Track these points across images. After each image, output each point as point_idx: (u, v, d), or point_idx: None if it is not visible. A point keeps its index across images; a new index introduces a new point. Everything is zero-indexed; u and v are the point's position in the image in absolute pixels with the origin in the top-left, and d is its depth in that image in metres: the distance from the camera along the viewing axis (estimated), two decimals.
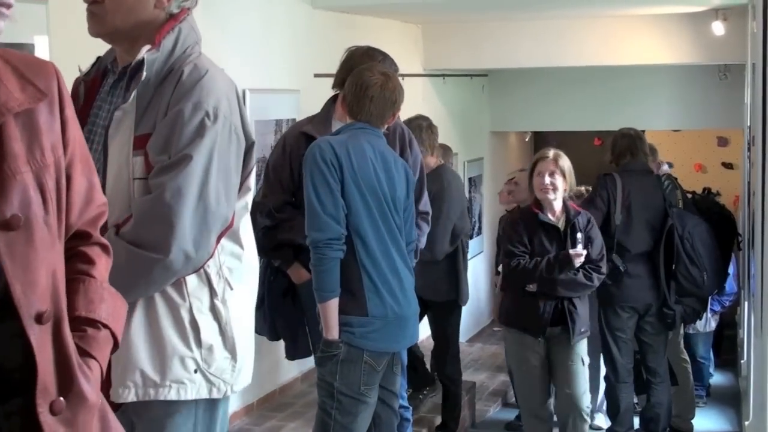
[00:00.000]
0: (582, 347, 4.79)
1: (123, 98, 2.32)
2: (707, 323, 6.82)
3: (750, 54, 5.84)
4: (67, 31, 3.97)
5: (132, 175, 2.28)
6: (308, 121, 4.01)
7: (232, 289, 2.37)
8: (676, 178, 5.60)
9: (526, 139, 12.71)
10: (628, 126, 5.71)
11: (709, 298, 6.16)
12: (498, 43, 8.19)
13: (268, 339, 4.24)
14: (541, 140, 13.36)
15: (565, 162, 4.74)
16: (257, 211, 3.89)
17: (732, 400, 6.87)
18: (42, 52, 3.81)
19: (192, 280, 2.31)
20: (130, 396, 2.29)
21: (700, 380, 6.83)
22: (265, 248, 3.88)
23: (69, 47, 3.99)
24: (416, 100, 7.83)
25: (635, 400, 5.98)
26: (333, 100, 3.92)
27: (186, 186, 2.21)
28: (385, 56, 3.93)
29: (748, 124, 6.15)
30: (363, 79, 3.42)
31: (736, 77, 8.56)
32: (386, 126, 3.52)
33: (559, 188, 4.69)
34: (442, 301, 5.28)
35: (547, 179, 4.68)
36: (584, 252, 4.65)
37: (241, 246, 2.40)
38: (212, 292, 2.35)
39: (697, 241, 5.35)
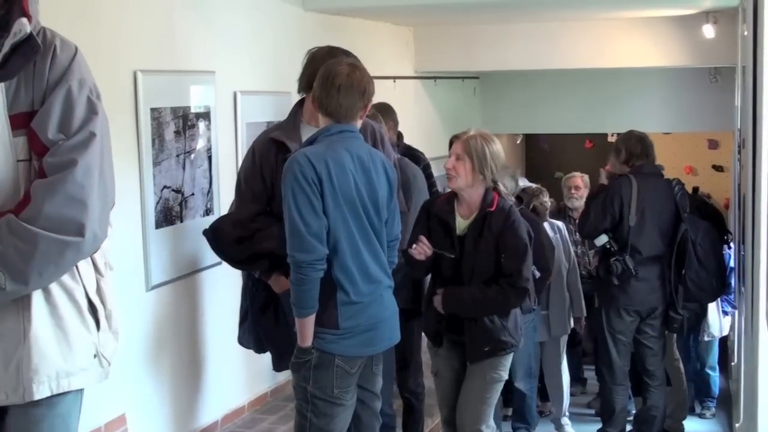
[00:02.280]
0: (495, 363, 4.04)
1: None
2: (721, 329, 6.58)
3: (740, 57, 5.85)
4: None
5: (16, 157, 2.17)
6: (276, 127, 3.89)
7: (111, 269, 2.38)
8: (684, 184, 5.56)
9: (518, 142, 12.73)
10: (619, 129, 5.71)
11: (718, 300, 6.14)
12: (489, 45, 8.19)
13: (255, 352, 4.20)
14: (532, 142, 13.39)
15: (480, 146, 3.91)
16: (226, 222, 3.84)
17: (723, 402, 6.87)
18: None
19: (81, 263, 2.26)
20: (44, 391, 2.21)
21: (707, 392, 6.67)
22: (238, 260, 3.80)
23: None
24: (408, 102, 7.83)
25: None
26: (300, 104, 3.82)
27: (93, 164, 2.18)
28: (348, 54, 3.78)
29: (739, 126, 6.16)
30: (330, 70, 3.34)
31: (727, 80, 8.58)
32: (361, 122, 3.43)
33: (461, 176, 3.92)
34: (401, 308, 4.84)
35: (450, 163, 3.95)
36: (425, 247, 3.90)
37: (111, 225, 2.36)
38: (98, 273, 2.32)
39: (709, 247, 5.37)
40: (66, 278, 2.23)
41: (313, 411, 3.35)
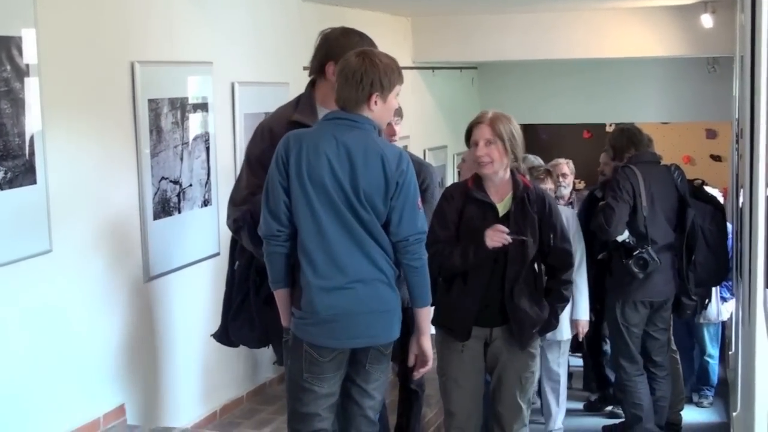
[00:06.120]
0: (526, 361, 3.99)
1: None
2: (719, 313, 6.46)
3: (738, 46, 5.85)
4: (55, 24, 3.95)
5: None
6: (292, 108, 3.70)
7: None
8: (681, 169, 5.48)
9: None
10: (617, 119, 5.67)
11: (719, 286, 6.11)
12: (487, 35, 8.18)
13: (255, 347, 4.13)
14: (530, 133, 13.39)
15: (506, 126, 3.86)
16: (242, 207, 3.73)
17: (720, 391, 6.88)
18: (29, 45, 3.77)
19: None
20: None
21: (705, 381, 6.63)
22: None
23: (57, 40, 3.98)
24: (406, 93, 7.79)
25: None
26: (312, 85, 3.69)
27: None
28: (362, 36, 3.68)
29: (737, 116, 6.16)
30: (341, 61, 3.32)
31: (725, 70, 8.57)
32: (369, 112, 3.28)
33: (496, 160, 3.86)
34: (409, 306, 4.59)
35: (482, 149, 3.86)
36: (503, 235, 3.78)
37: None
38: None
39: (716, 230, 5.34)
40: None
41: (288, 391, 3.42)
